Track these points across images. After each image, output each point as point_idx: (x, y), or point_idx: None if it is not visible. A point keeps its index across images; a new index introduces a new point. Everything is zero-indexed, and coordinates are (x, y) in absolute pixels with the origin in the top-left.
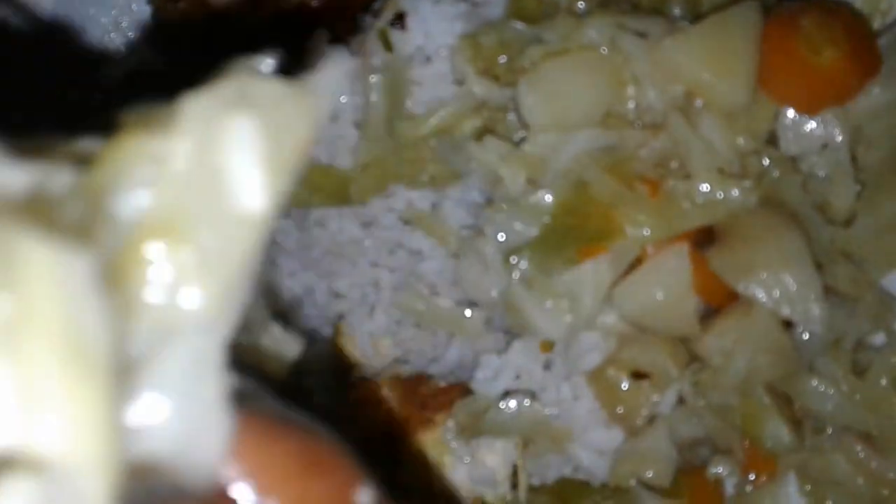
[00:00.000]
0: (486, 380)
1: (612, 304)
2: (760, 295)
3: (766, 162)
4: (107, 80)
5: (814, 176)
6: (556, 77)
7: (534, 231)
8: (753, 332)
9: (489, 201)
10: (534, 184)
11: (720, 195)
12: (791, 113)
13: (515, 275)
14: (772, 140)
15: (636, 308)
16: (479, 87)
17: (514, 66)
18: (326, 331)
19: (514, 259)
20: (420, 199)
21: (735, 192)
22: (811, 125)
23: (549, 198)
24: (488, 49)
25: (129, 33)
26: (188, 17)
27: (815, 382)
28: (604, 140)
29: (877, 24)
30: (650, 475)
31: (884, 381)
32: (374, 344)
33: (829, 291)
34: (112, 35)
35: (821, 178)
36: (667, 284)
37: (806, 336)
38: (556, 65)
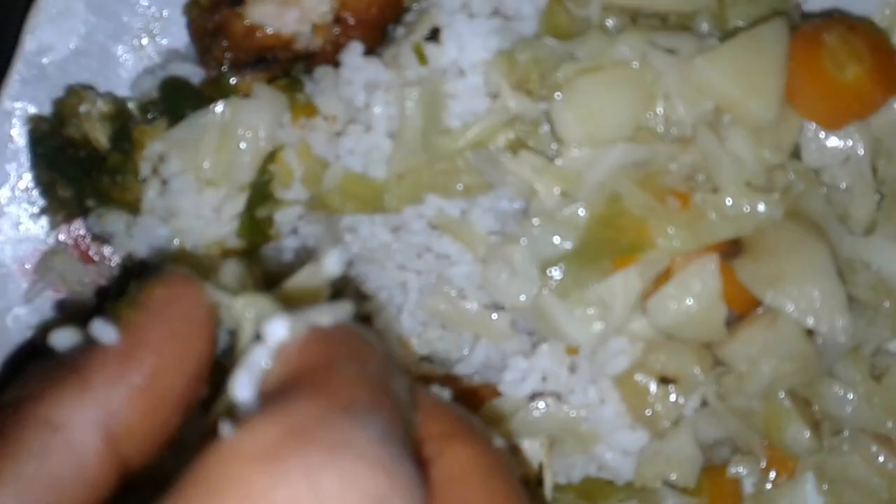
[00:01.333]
0: (514, 381)
1: (643, 313)
2: (788, 307)
3: (791, 175)
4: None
5: (835, 187)
6: (589, 93)
7: (569, 244)
8: (778, 340)
9: (524, 212)
10: (568, 197)
11: (747, 208)
12: (814, 126)
13: (551, 284)
14: (795, 153)
15: (668, 319)
16: (514, 102)
17: (548, 82)
18: None
19: (549, 270)
20: (450, 205)
21: (762, 206)
22: (834, 139)
23: (583, 211)
24: (522, 65)
25: (163, 41)
26: (223, 29)
27: (835, 387)
28: (635, 154)
29: None
30: (675, 477)
31: None
32: (401, 344)
33: (848, 299)
34: (143, 41)
35: (842, 189)
36: (698, 295)
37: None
38: (589, 81)
